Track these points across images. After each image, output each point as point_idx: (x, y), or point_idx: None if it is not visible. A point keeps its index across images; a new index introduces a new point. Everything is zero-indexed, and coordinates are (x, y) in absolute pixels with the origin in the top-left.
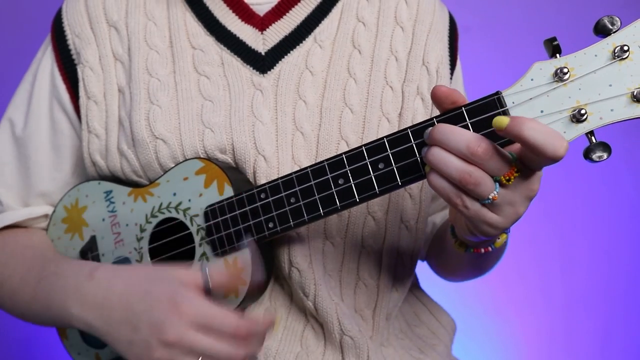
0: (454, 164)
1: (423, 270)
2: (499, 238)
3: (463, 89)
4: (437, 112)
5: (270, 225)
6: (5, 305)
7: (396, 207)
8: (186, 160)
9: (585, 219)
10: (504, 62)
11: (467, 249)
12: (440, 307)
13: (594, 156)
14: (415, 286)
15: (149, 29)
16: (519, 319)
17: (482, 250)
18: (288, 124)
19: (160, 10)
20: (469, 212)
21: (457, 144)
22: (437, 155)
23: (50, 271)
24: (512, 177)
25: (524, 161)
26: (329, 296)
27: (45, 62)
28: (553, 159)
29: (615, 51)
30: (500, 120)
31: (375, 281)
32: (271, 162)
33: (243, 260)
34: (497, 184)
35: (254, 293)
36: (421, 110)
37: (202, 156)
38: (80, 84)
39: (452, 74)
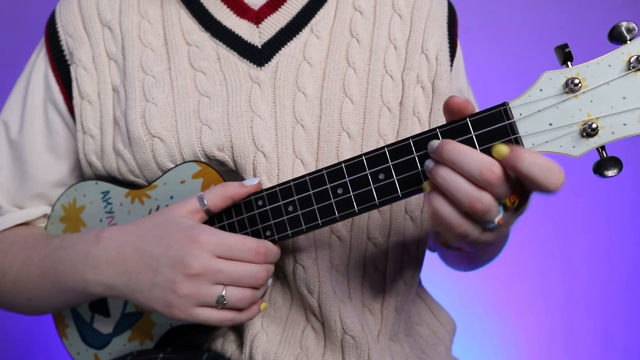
0: (464, 188)
1: (423, 270)
2: None
3: (465, 76)
4: (437, 100)
5: (268, 233)
6: (8, 295)
7: None
8: (183, 162)
9: (586, 219)
10: (504, 62)
11: (450, 247)
12: (441, 306)
13: (605, 172)
14: (419, 285)
15: (142, 27)
16: (519, 319)
17: (466, 249)
18: (287, 117)
19: (154, 8)
20: (469, 239)
21: (469, 167)
22: (447, 177)
23: (55, 246)
24: (516, 201)
25: (523, 185)
26: (334, 293)
27: (39, 64)
28: (548, 193)
29: (631, 61)
30: (500, 150)
31: (382, 273)
32: (271, 158)
33: None
34: (501, 207)
35: None
36: (422, 99)
37: (199, 154)
38: (74, 84)
39: (452, 61)
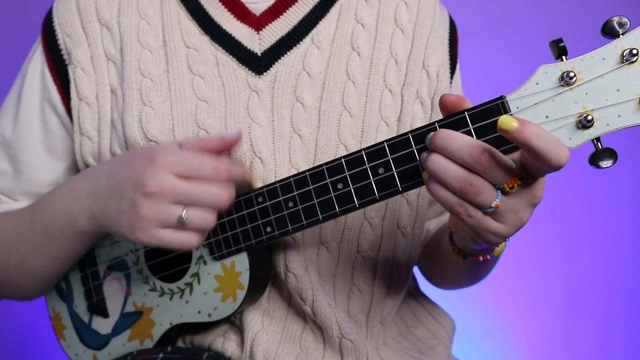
0: (454, 172)
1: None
2: (497, 247)
3: (462, 93)
4: (436, 117)
5: (268, 229)
6: (0, 261)
7: (393, 212)
8: None
9: (587, 219)
10: (504, 61)
11: (466, 257)
12: (439, 307)
13: (600, 163)
14: (414, 288)
15: (141, 28)
16: (519, 318)
17: (481, 259)
18: (285, 127)
19: (154, 8)
20: (472, 221)
21: (460, 151)
22: (436, 162)
23: (41, 199)
24: (515, 185)
25: (527, 168)
26: (327, 301)
27: (35, 63)
28: (556, 168)
29: (624, 54)
30: (507, 123)
31: (370, 287)
32: (268, 165)
33: (241, 265)
34: (499, 191)
35: (252, 297)
36: (420, 115)
37: None
38: (72, 85)
39: (451, 78)
